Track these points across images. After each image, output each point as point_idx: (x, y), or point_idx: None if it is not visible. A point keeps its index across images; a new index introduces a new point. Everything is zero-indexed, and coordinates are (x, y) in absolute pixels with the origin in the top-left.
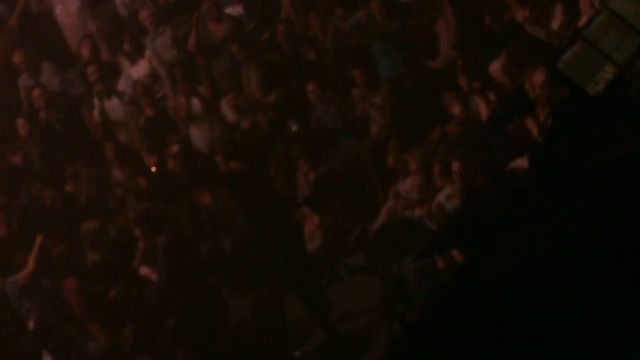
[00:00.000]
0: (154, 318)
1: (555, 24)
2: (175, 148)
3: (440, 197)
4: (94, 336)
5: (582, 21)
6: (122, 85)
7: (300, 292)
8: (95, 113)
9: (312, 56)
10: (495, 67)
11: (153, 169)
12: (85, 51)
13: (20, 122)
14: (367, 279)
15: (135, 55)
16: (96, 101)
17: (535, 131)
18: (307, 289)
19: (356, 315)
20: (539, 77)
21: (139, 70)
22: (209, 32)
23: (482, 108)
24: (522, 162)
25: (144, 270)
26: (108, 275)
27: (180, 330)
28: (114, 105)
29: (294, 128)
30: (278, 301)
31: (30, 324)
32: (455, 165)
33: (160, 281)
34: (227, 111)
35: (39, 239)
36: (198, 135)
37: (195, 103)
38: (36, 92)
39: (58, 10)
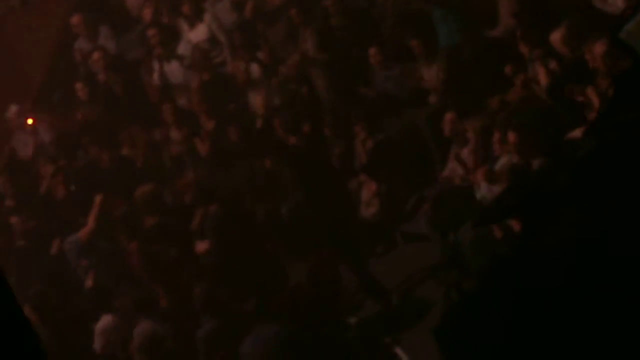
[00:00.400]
0: (211, 281)
1: None
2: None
3: (498, 166)
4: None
5: None
6: (181, 48)
7: (354, 259)
8: (155, 76)
9: (372, 23)
10: (556, 37)
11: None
12: (147, 13)
13: (79, 85)
14: (424, 246)
15: (195, 19)
16: (156, 64)
17: (595, 101)
18: (362, 255)
19: (412, 283)
20: (600, 47)
21: (198, 34)
22: None
23: (542, 77)
24: (581, 132)
25: (200, 246)
26: (166, 237)
27: (236, 295)
28: (173, 69)
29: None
30: (334, 267)
31: (88, 282)
32: (512, 135)
33: (211, 249)
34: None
35: (98, 198)
36: (257, 101)
37: (254, 68)
38: (96, 55)
39: None
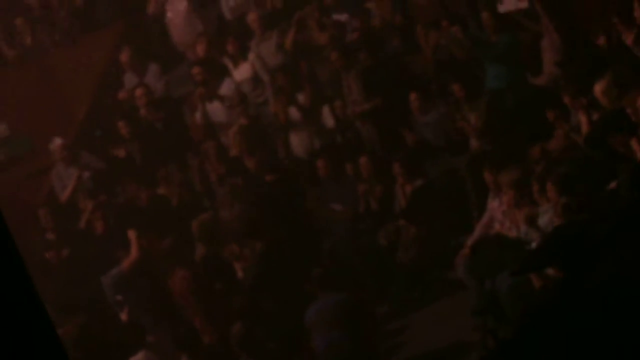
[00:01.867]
0: (248, 319)
1: None
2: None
3: (540, 214)
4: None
5: None
6: (225, 86)
7: (390, 303)
8: (198, 115)
9: (415, 67)
10: (599, 88)
11: None
12: (200, 49)
13: (121, 124)
14: (460, 292)
15: (239, 58)
16: (198, 103)
17: (638, 152)
18: (399, 299)
19: (448, 329)
20: None
21: (241, 72)
22: (312, 37)
23: (583, 127)
24: (623, 182)
25: (237, 266)
26: (214, 269)
27: (271, 333)
28: (216, 108)
29: None
30: (371, 309)
31: (123, 317)
32: (551, 186)
33: (247, 285)
34: (328, 118)
35: (133, 233)
36: (297, 142)
37: (295, 110)
38: (139, 91)
39: (167, 11)
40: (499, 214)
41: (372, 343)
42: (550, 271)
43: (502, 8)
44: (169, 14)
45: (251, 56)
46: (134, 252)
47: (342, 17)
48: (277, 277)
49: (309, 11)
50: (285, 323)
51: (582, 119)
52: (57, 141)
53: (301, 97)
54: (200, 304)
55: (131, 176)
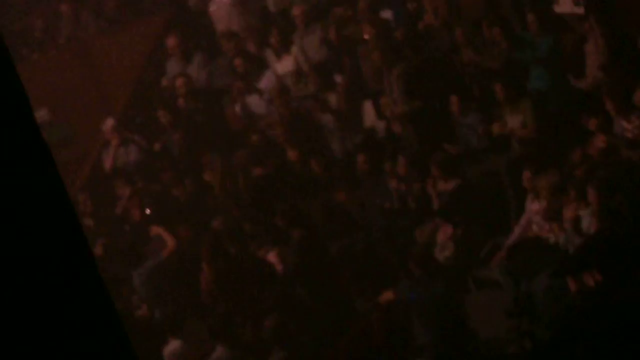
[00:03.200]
0: (281, 311)
1: None
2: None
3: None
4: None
5: None
6: (266, 79)
7: (425, 301)
8: (237, 107)
9: (457, 67)
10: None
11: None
12: (229, 46)
13: (161, 112)
14: (495, 293)
15: (282, 50)
16: (238, 96)
17: None
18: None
19: (482, 329)
20: None
21: (284, 65)
22: (359, 31)
23: (626, 132)
24: None
25: (272, 259)
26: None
27: (304, 327)
28: (256, 99)
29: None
30: (405, 307)
31: (142, 312)
32: (592, 191)
33: (285, 274)
34: (369, 113)
35: (158, 229)
36: (337, 137)
37: (335, 104)
38: (179, 81)
39: (210, 2)
40: (537, 217)
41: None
42: (587, 275)
43: (557, 8)
44: (213, 6)
45: (294, 49)
46: (170, 242)
47: (387, 14)
48: (314, 267)
49: (351, 7)
50: (321, 315)
51: (624, 124)
52: (110, 121)
53: (339, 92)
54: (230, 298)
55: (169, 164)
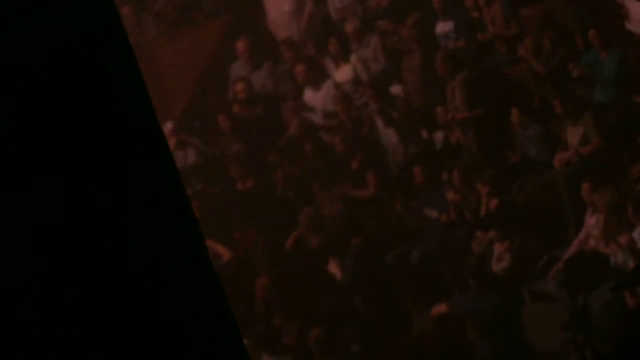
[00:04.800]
0: (335, 320)
1: None
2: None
3: (635, 234)
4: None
5: None
6: (326, 87)
7: (480, 313)
8: (296, 115)
9: (518, 79)
10: None
11: None
12: (289, 54)
13: (221, 117)
14: (551, 306)
15: (341, 59)
16: (294, 102)
17: None
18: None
19: (538, 341)
20: None
21: (343, 74)
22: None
23: None
24: None
25: (333, 268)
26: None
27: (359, 337)
28: (323, 97)
29: None
30: (460, 319)
31: None
32: None
33: (344, 282)
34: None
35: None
36: (394, 146)
37: (395, 114)
38: (239, 86)
39: (270, 8)
40: (595, 231)
41: None
42: None
43: (629, 25)
44: (273, 12)
45: (353, 58)
46: (225, 254)
47: (448, 25)
48: (369, 277)
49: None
50: (375, 325)
51: None
52: (168, 125)
53: (399, 103)
54: (283, 307)
55: (230, 167)
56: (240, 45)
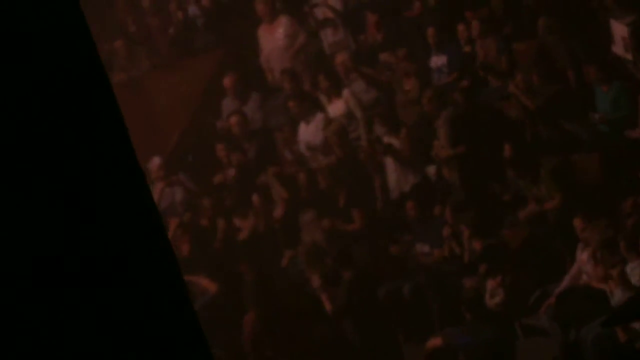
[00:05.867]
0: (326, 354)
1: None
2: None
3: (627, 269)
4: None
5: None
6: (317, 120)
7: (474, 347)
8: (287, 153)
9: (511, 113)
10: None
11: None
12: (287, 85)
13: (219, 147)
14: (543, 340)
15: (333, 93)
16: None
17: None
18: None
19: None
20: None
21: (335, 108)
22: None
23: None
24: None
25: (323, 297)
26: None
27: None
28: (313, 130)
29: None
30: (454, 353)
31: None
32: None
33: (335, 314)
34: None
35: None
36: (390, 180)
37: (388, 148)
38: (233, 119)
39: (264, 43)
40: (587, 266)
41: None
42: (637, 325)
43: (615, 48)
44: (267, 47)
45: (345, 92)
46: (211, 287)
47: (441, 59)
48: (362, 310)
49: (401, 59)
50: (367, 358)
51: None
52: (156, 160)
53: (396, 137)
54: (273, 342)
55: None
56: (227, 81)
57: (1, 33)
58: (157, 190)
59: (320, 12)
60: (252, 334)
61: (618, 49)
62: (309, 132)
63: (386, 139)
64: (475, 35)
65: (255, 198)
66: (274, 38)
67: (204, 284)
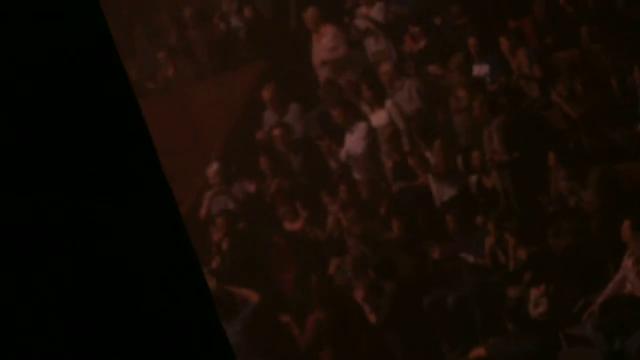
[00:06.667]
0: None
1: None
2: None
3: None
4: None
5: None
6: (360, 130)
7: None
8: (334, 158)
9: (558, 122)
10: None
11: None
12: (330, 97)
13: (262, 159)
14: (588, 350)
15: (375, 103)
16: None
17: None
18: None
19: None
20: None
21: (378, 118)
22: (450, 86)
23: None
24: None
25: (366, 309)
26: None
27: None
28: (355, 139)
29: None
30: None
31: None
32: None
33: (378, 325)
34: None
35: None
36: (435, 189)
37: (430, 157)
38: (277, 131)
39: (314, 53)
40: (632, 274)
41: None
42: None
43: None
44: (318, 56)
45: (388, 103)
46: (253, 297)
47: (484, 68)
48: (406, 320)
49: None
50: None
51: None
52: (214, 166)
53: (436, 145)
54: (331, 345)
55: (261, 213)
56: (265, 93)
57: (33, 50)
58: (207, 197)
59: (362, 23)
60: (314, 333)
61: None
62: (351, 142)
63: (425, 151)
64: (505, 49)
65: (299, 205)
66: (318, 47)
67: (245, 294)
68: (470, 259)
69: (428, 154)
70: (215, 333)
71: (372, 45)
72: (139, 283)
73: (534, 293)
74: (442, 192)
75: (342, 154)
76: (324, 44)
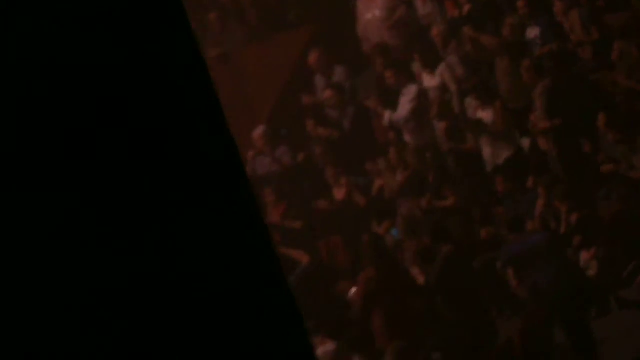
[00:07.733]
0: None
1: None
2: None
3: None
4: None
5: None
6: (409, 92)
7: (567, 321)
8: (384, 119)
9: (607, 85)
10: None
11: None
12: (379, 61)
13: (310, 122)
14: (638, 314)
15: (429, 66)
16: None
17: None
18: (575, 318)
19: (623, 351)
20: None
21: (430, 80)
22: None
23: None
24: None
25: (414, 271)
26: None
27: (445, 344)
28: (404, 102)
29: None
30: (547, 327)
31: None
32: None
33: (429, 287)
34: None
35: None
36: (488, 152)
37: (486, 118)
38: (328, 93)
39: (362, 12)
40: None
41: None
42: None
43: None
44: (365, 17)
45: (441, 66)
46: (304, 259)
47: (535, 31)
48: (457, 284)
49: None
50: (460, 332)
51: None
52: (260, 129)
53: (489, 111)
54: (381, 306)
55: (311, 178)
56: (312, 58)
57: (93, 15)
58: (249, 156)
59: None
60: (366, 290)
61: None
62: (402, 104)
63: (479, 113)
64: (559, 10)
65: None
66: (372, 8)
67: (295, 255)
68: (520, 221)
69: (483, 115)
70: (283, 291)
71: (420, 7)
72: (212, 245)
73: (584, 256)
74: (497, 154)
75: (393, 117)
76: (378, 4)
